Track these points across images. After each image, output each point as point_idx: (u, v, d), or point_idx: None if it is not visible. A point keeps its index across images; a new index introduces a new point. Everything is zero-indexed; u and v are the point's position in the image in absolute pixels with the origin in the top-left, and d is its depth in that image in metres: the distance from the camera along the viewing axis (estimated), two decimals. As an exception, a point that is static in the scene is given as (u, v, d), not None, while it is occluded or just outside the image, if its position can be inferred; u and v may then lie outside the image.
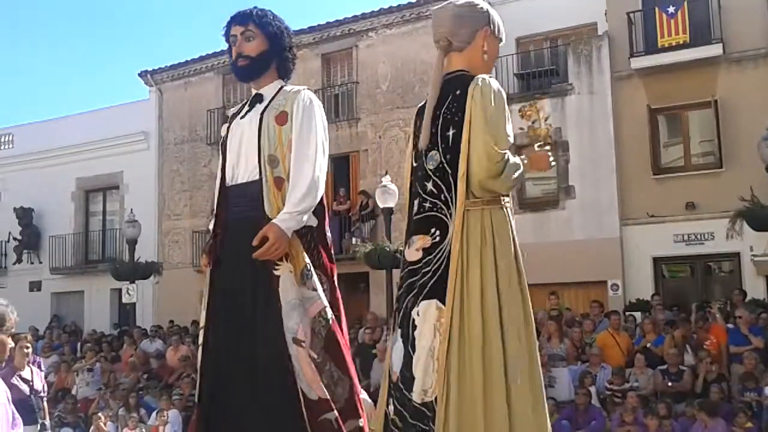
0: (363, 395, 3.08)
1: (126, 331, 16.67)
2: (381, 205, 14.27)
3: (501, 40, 3.06)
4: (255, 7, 3.17)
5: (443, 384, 2.68)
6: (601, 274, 14.57)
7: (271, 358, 2.86)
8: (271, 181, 2.94)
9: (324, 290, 2.99)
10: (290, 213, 2.88)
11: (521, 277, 2.85)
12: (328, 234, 3.15)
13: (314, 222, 3.01)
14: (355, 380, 3.01)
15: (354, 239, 16.49)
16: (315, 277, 2.96)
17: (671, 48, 14.30)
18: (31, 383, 6.69)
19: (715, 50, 14.03)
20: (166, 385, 13.08)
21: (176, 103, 20.72)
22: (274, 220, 2.87)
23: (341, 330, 3.01)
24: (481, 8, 3.03)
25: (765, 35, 13.75)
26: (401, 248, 11.73)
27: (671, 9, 14.26)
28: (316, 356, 2.88)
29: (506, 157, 2.75)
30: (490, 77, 2.89)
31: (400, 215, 15.88)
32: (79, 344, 16.40)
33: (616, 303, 13.95)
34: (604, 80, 15.10)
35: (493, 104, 2.78)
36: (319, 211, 3.02)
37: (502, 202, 2.85)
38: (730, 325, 10.44)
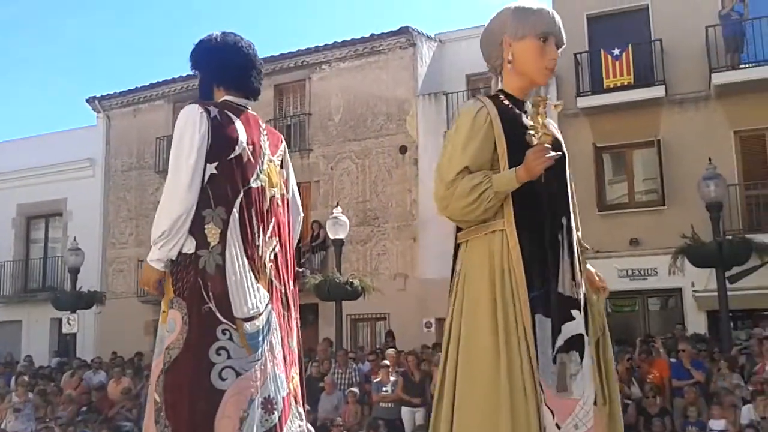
0: None
1: (65, 362, 16.13)
2: (332, 237, 14.22)
3: (534, 35, 2.62)
4: (196, 42, 3.14)
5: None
6: (548, 307, 14.74)
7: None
8: None
9: (183, 323, 2.74)
10: (152, 243, 2.82)
11: (485, 327, 2.47)
12: (225, 255, 2.80)
13: (189, 248, 2.79)
14: (187, 428, 2.67)
15: (304, 270, 16.38)
16: (171, 313, 2.77)
17: (616, 88, 14.76)
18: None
19: (657, 92, 14.52)
20: (105, 419, 12.67)
21: (124, 130, 20.43)
22: None
23: (185, 369, 2.70)
24: (501, 17, 2.70)
25: (705, 79, 14.30)
26: (351, 280, 11.64)
27: (616, 51, 14.75)
28: (158, 400, 2.72)
29: (453, 185, 2.52)
30: (481, 97, 2.68)
31: (350, 246, 15.87)
32: (14, 377, 15.77)
33: (563, 336, 14.10)
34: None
35: (450, 130, 2.65)
36: (197, 234, 2.79)
37: (487, 230, 2.55)
38: (672, 360, 10.66)
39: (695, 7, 14.59)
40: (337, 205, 14.80)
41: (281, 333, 2.90)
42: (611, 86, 14.80)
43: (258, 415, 2.71)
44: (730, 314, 12.16)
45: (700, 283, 13.36)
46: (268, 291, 2.88)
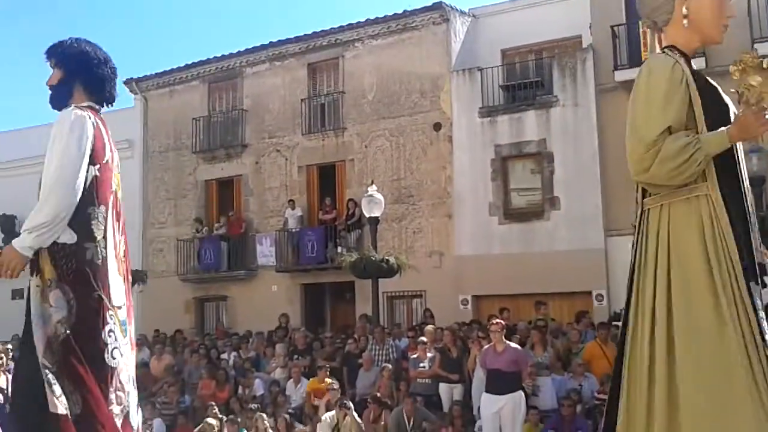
0: (116, 410, 3.07)
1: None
2: (367, 215, 14.24)
3: None
4: (57, 41, 3.38)
5: None
6: (586, 284, 14.66)
7: (24, 367, 3.01)
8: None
9: (70, 305, 3.02)
10: (24, 231, 3.03)
11: (702, 286, 2.34)
12: (108, 250, 3.14)
13: (70, 239, 3.05)
14: (94, 396, 2.97)
15: (340, 248, 16.47)
16: (56, 292, 3.02)
17: (655, 61, 14.44)
18: (5, 392, 6.64)
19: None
20: (149, 394, 12.98)
21: (162, 111, 20.67)
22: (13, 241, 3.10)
23: (79, 345, 3.00)
24: None
25: (745, 49, 13.92)
26: (386, 257, 11.52)
27: (655, 22, 14.42)
28: (49, 364, 2.96)
29: (655, 146, 2.38)
30: (669, 52, 2.56)
31: (385, 224, 15.92)
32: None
33: (601, 313, 14.03)
34: (588, 93, 15.24)
35: (639, 86, 2.47)
36: (79, 228, 3.06)
37: (691, 194, 2.43)
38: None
39: (737, -25, 14.20)
40: (372, 183, 14.80)
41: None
42: (650, 58, 14.48)
43: (133, 390, 3.18)
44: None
45: (742, 258, 13.13)
46: (124, 284, 3.25)
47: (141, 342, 15.51)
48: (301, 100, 18.48)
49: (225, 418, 11.03)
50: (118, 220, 3.25)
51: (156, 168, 20.56)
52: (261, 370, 13.29)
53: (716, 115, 2.43)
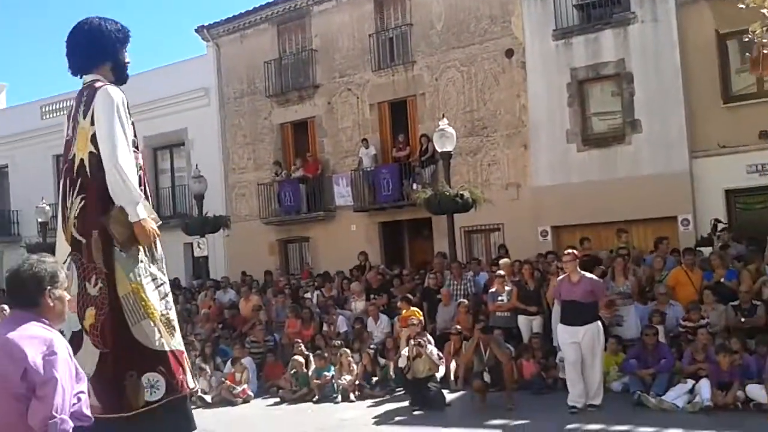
0: None
1: (203, 283, 17.21)
2: (439, 149, 14.09)
3: None
4: None
5: None
6: (670, 209, 14.16)
7: None
8: None
9: None
10: None
11: None
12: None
13: None
14: None
15: (415, 185, 16.41)
16: None
17: (742, -34, 13.45)
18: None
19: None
20: (239, 334, 13.54)
21: (234, 57, 20.84)
22: None
23: None
24: None
25: None
26: (460, 192, 11.51)
27: (741, -76, 13.35)
28: None
29: None
30: None
31: (460, 158, 15.74)
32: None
33: (687, 238, 13.57)
34: (668, 7, 14.37)
35: None
36: None
37: None
38: (807, 257, 10.05)
39: None
40: (443, 117, 14.58)
41: (81, 279, 3.54)
42: (736, -36, 13.49)
43: None
44: None
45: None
46: (71, 244, 3.58)
47: (224, 284, 16.14)
48: (369, 35, 18.23)
49: (311, 355, 11.43)
50: (72, 184, 3.60)
51: (232, 114, 20.89)
52: (344, 307, 13.61)
53: None
